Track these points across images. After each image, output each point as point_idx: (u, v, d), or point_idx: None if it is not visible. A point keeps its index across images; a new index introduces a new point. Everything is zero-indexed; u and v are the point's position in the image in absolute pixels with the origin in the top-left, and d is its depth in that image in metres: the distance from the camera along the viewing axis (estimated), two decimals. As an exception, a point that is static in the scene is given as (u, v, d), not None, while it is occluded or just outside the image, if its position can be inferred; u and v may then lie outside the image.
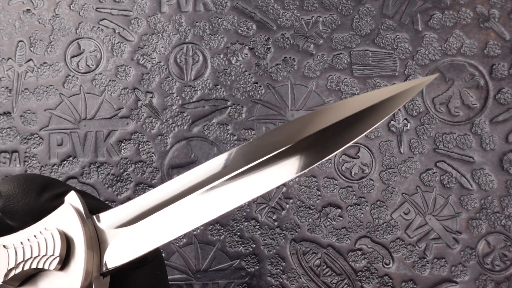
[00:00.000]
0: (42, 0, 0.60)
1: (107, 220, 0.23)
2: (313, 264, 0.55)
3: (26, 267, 0.21)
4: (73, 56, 0.59)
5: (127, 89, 0.58)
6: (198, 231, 0.56)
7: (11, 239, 0.22)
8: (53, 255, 0.21)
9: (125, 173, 0.57)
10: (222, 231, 0.56)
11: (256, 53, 0.58)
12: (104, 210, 0.24)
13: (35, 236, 0.22)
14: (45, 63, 0.59)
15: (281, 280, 0.55)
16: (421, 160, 0.55)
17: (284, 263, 0.55)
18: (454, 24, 0.56)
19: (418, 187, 0.55)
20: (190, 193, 0.23)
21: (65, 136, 0.58)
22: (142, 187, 0.57)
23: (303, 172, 0.23)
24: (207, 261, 0.56)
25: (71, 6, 0.60)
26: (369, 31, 0.57)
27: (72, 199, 0.23)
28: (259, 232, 0.56)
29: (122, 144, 0.58)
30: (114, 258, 0.23)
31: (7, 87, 0.59)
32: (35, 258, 0.21)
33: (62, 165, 0.58)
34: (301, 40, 0.58)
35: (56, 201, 0.24)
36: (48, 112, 0.58)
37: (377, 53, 0.57)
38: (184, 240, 0.56)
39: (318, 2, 0.58)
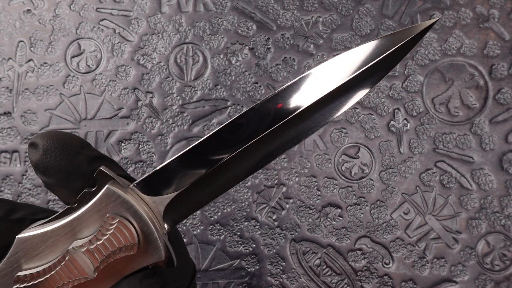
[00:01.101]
0: (42, 1, 0.60)
1: (148, 187, 0.24)
2: (313, 264, 0.55)
3: (110, 260, 0.22)
4: (74, 56, 0.59)
5: (127, 89, 0.58)
6: (198, 231, 0.56)
7: (69, 234, 0.23)
8: (129, 244, 0.22)
9: (125, 173, 0.57)
10: (222, 231, 0.56)
11: (256, 53, 0.58)
12: (131, 180, 0.25)
13: (100, 231, 0.22)
14: (45, 63, 0.59)
15: (281, 280, 0.55)
16: (421, 160, 0.55)
17: (284, 263, 0.55)
18: (454, 24, 0.56)
19: (417, 187, 0.55)
20: (235, 149, 0.24)
21: (65, 136, 0.58)
22: (142, 187, 0.57)
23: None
24: (207, 261, 0.56)
25: (71, 6, 0.60)
26: (369, 31, 0.57)
27: (105, 177, 0.23)
28: (259, 232, 0.56)
29: (122, 144, 0.58)
30: (170, 219, 0.24)
31: (7, 87, 0.59)
32: (114, 252, 0.22)
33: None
34: (301, 40, 0.58)
35: (90, 164, 0.24)
36: (48, 112, 0.59)
37: (377, 53, 0.57)
38: (184, 240, 0.56)
39: (318, 2, 0.58)
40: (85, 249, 0.22)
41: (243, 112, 0.24)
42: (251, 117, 0.24)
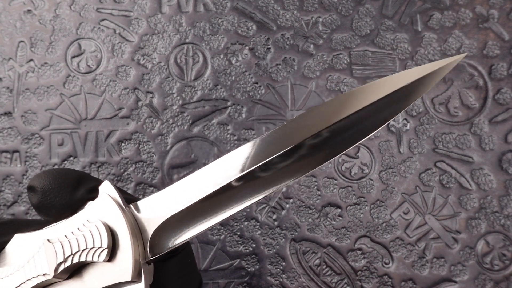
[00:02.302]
0: (43, 1, 0.60)
1: (144, 209, 0.23)
2: (313, 263, 0.55)
3: (75, 260, 0.21)
4: (74, 57, 0.59)
5: (128, 89, 0.59)
6: (198, 230, 0.56)
7: (54, 232, 0.22)
8: (101, 247, 0.21)
9: (126, 173, 0.57)
10: (222, 230, 0.56)
11: (256, 54, 0.58)
12: (135, 201, 0.24)
13: (78, 228, 0.22)
14: (46, 63, 0.59)
15: (281, 280, 0.55)
16: (421, 160, 0.55)
17: (284, 263, 0.55)
18: (454, 25, 0.57)
19: (417, 187, 0.55)
20: (226, 180, 0.23)
21: (65, 136, 0.58)
22: (143, 187, 0.57)
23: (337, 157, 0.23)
24: (207, 260, 0.56)
25: (71, 6, 0.60)
26: (368, 32, 0.57)
27: (107, 189, 0.23)
28: (259, 232, 0.56)
29: (123, 144, 0.58)
30: (157, 246, 0.23)
31: (8, 87, 0.59)
32: (83, 251, 0.21)
33: (63, 165, 0.58)
34: (301, 41, 0.58)
35: (90, 195, 0.23)
36: (48, 112, 0.59)
37: (376, 53, 0.57)
38: (184, 239, 0.56)
39: (318, 2, 0.58)
40: (55, 242, 0.21)
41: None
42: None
